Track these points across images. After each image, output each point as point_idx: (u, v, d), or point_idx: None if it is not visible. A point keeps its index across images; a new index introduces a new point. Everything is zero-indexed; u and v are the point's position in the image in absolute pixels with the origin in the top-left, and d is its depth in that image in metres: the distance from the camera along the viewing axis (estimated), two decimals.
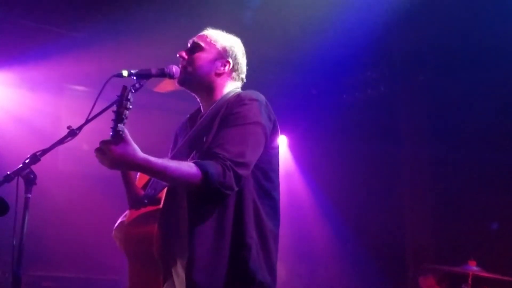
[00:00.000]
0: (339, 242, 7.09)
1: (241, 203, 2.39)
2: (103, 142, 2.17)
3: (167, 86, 6.86)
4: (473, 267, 4.70)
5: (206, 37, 2.66)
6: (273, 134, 2.52)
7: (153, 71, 2.54)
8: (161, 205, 2.45)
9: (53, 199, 6.28)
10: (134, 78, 2.51)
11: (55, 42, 5.78)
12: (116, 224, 2.69)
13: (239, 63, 2.69)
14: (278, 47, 5.88)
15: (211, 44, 2.64)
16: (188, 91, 2.70)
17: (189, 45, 2.70)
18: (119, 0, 5.36)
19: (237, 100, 2.49)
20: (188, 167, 2.25)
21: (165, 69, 2.58)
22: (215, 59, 2.62)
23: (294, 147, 7.37)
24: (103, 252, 6.41)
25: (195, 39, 2.67)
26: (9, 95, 6.54)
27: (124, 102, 2.19)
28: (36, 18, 5.67)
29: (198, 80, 2.61)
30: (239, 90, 2.68)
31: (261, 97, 2.52)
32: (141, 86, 2.52)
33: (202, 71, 2.61)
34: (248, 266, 2.33)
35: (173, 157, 2.53)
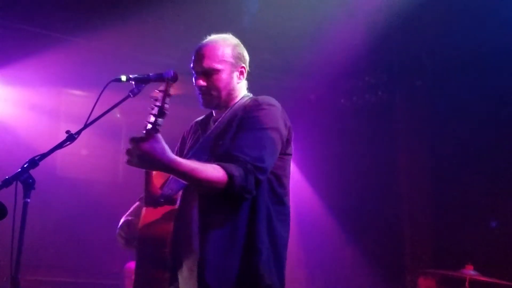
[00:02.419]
0: (337, 246, 7.09)
1: (255, 207, 2.40)
2: (132, 139, 2.16)
3: None
4: (470, 271, 4.71)
5: (215, 55, 2.56)
6: (288, 141, 2.55)
7: (152, 76, 2.53)
8: (177, 206, 2.45)
9: (51, 204, 6.28)
10: (133, 83, 2.52)
11: (54, 47, 5.79)
12: (121, 223, 2.68)
13: (247, 59, 2.68)
14: (276, 52, 5.89)
15: (222, 60, 2.57)
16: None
17: (193, 61, 2.61)
18: (117, 5, 5.36)
19: (255, 104, 2.50)
20: (214, 169, 2.25)
21: (164, 74, 2.57)
22: (232, 73, 2.60)
23: (292, 152, 7.35)
24: (101, 257, 6.42)
25: (206, 63, 2.55)
26: (7, 99, 6.55)
27: (166, 97, 2.18)
28: (35, 23, 5.68)
29: (226, 99, 2.60)
30: (250, 94, 2.68)
31: (278, 103, 2.54)
32: (139, 91, 2.54)
33: (227, 90, 2.58)
34: (258, 271, 2.35)
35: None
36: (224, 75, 2.56)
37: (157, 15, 5.46)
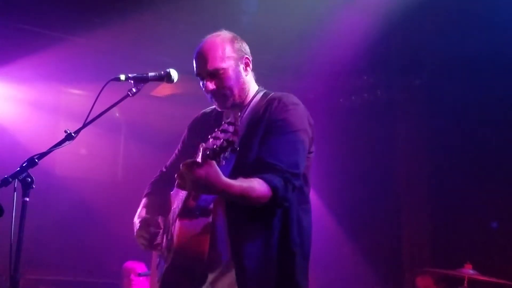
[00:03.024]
0: (336, 245, 7.10)
1: (287, 212, 2.40)
2: (187, 164, 2.03)
3: (164, 90, 6.88)
4: (469, 271, 4.71)
5: (217, 55, 2.48)
6: (313, 138, 2.54)
7: (151, 75, 2.55)
8: (210, 218, 2.39)
9: (50, 203, 6.29)
10: (132, 82, 2.53)
11: (53, 46, 5.79)
12: (140, 223, 2.64)
13: (248, 51, 2.62)
14: (275, 51, 5.89)
15: (225, 58, 2.48)
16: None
17: (196, 67, 2.54)
18: (117, 5, 5.36)
19: (280, 105, 2.44)
20: (260, 185, 2.22)
21: (163, 73, 2.58)
22: (238, 67, 2.52)
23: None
24: (101, 256, 6.43)
25: (210, 65, 2.47)
26: (6, 98, 6.55)
27: (236, 132, 1.97)
28: (34, 22, 5.67)
29: (240, 95, 2.53)
30: (263, 89, 2.62)
31: (299, 101, 2.50)
32: (138, 90, 2.54)
33: (239, 85, 2.52)
34: (295, 275, 2.37)
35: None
36: (231, 72, 2.49)
37: (156, 14, 5.46)
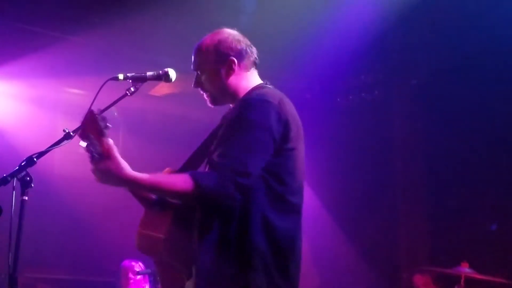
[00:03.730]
0: (334, 244, 7.11)
1: (246, 211, 2.30)
2: (91, 160, 2.23)
3: (162, 89, 6.88)
4: (465, 269, 4.73)
5: (198, 57, 2.56)
6: (288, 135, 2.37)
7: (149, 74, 2.55)
8: (170, 212, 2.40)
9: (49, 202, 6.29)
10: (130, 81, 2.53)
11: (51, 45, 5.79)
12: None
13: (241, 50, 2.56)
14: (273, 51, 5.89)
15: (206, 60, 2.53)
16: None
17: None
18: (115, 4, 5.37)
19: (242, 103, 2.41)
20: (180, 181, 2.22)
21: (161, 73, 2.58)
22: (220, 68, 2.52)
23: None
24: (99, 254, 6.43)
25: (193, 66, 2.58)
26: (5, 98, 6.55)
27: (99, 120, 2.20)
28: (33, 22, 5.68)
29: (224, 94, 2.55)
30: (267, 85, 2.58)
31: (274, 97, 2.40)
32: (136, 89, 2.55)
33: (217, 88, 2.54)
34: (247, 276, 2.27)
35: (189, 160, 2.53)
36: (209, 75, 2.54)
37: (154, 14, 5.47)
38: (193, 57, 2.59)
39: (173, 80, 2.61)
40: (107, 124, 2.22)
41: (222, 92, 2.55)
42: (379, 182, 6.85)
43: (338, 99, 7.24)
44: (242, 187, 2.23)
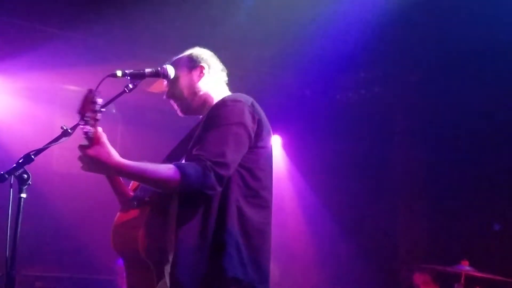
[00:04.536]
0: (332, 242, 7.11)
1: (224, 202, 2.40)
2: (80, 146, 2.19)
3: (161, 86, 6.86)
4: (465, 267, 4.72)
5: (170, 66, 2.67)
6: (260, 133, 2.50)
7: (147, 71, 2.57)
8: (147, 209, 2.45)
9: (47, 199, 6.28)
10: (128, 78, 2.53)
11: (49, 42, 5.77)
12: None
13: (210, 63, 2.72)
14: (272, 47, 5.88)
15: (178, 66, 2.67)
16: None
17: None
18: (114, 1, 5.34)
19: (220, 102, 2.51)
20: (166, 169, 2.28)
21: (159, 69, 2.61)
22: (189, 73, 2.68)
23: (287, 147, 7.38)
24: (97, 252, 6.41)
25: (165, 78, 2.68)
26: (2, 95, 6.53)
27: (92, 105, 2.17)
28: (31, 18, 5.65)
29: (193, 101, 2.68)
30: (232, 95, 2.67)
31: (246, 98, 2.53)
32: (135, 86, 2.54)
33: (189, 92, 2.67)
34: (222, 264, 2.34)
35: (166, 160, 2.55)
36: (180, 80, 2.67)
37: (153, 10, 5.44)
38: (166, 66, 2.67)
39: (171, 76, 2.62)
40: (101, 108, 2.19)
41: (193, 97, 2.68)
42: (379, 179, 6.85)
43: (338, 96, 7.24)
44: (220, 178, 2.32)
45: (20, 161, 2.35)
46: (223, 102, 2.50)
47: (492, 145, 5.83)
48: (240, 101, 2.49)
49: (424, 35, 5.94)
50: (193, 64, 2.68)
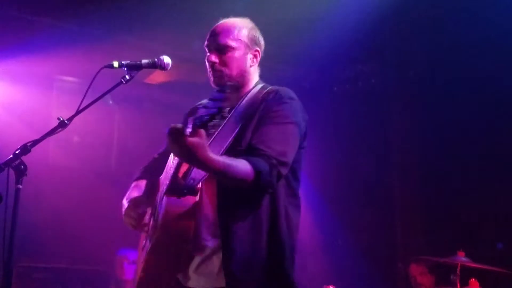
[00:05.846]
0: (329, 236, 7.13)
1: (275, 201, 2.42)
2: (176, 129, 2.02)
3: (158, 77, 6.85)
4: (461, 258, 4.74)
5: (231, 33, 2.57)
6: (306, 134, 2.57)
7: (144, 62, 2.55)
8: (197, 197, 2.38)
9: (43, 190, 6.27)
10: (125, 69, 2.53)
11: (45, 33, 5.74)
12: (129, 203, 2.64)
13: (262, 47, 2.68)
14: (270, 40, 5.85)
15: (238, 39, 2.57)
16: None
17: (208, 39, 2.60)
18: None
19: (277, 97, 2.49)
20: (243, 165, 2.23)
21: (156, 61, 2.59)
22: (246, 54, 2.60)
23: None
24: (94, 243, 6.42)
25: (220, 39, 2.55)
26: None
27: (226, 100, 2.02)
28: (26, 9, 5.63)
29: (238, 80, 2.57)
30: (263, 83, 2.65)
31: (296, 97, 2.55)
32: (131, 77, 2.54)
33: (239, 69, 2.57)
34: (284, 265, 2.39)
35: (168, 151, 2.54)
36: (237, 54, 2.56)
37: (149, 0, 5.42)
38: (220, 31, 2.57)
39: (168, 68, 2.61)
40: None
41: (241, 75, 2.58)
42: (375, 172, 6.85)
43: (335, 88, 7.23)
44: (281, 177, 2.35)
45: (17, 152, 2.35)
46: (280, 97, 2.49)
47: (490, 138, 5.83)
48: (295, 99, 2.52)
49: (422, 29, 5.94)
50: (252, 45, 2.62)
